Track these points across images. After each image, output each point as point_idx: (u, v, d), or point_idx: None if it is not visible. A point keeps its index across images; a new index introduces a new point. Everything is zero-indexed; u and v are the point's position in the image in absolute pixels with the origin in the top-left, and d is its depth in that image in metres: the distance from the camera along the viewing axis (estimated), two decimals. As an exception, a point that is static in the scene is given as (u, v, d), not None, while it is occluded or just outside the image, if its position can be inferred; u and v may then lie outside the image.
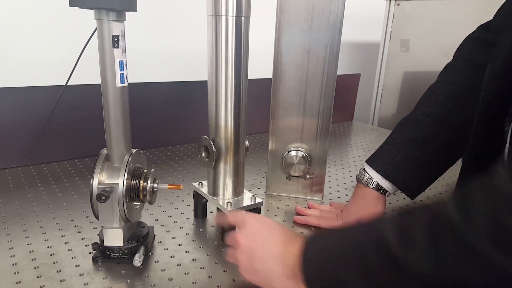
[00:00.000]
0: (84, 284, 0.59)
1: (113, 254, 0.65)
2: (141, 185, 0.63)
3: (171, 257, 0.68)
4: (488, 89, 0.56)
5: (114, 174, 0.61)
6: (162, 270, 0.64)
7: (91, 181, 0.61)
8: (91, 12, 0.57)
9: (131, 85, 0.63)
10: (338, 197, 0.96)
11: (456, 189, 0.39)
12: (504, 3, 0.63)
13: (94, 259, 0.65)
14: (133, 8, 0.57)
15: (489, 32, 0.70)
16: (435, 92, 0.76)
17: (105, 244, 0.64)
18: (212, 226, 0.79)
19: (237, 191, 0.76)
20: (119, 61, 0.59)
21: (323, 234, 0.49)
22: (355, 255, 0.42)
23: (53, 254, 0.67)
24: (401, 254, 0.38)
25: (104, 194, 0.58)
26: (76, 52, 0.65)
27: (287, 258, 0.48)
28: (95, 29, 0.57)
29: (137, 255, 0.63)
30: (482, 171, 0.37)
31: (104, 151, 0.64)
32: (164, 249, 0.70)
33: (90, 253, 0.67)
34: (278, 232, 0.53)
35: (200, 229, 0.78)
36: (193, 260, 0.67)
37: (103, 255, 0.65)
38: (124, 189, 0.61)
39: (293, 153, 0.91)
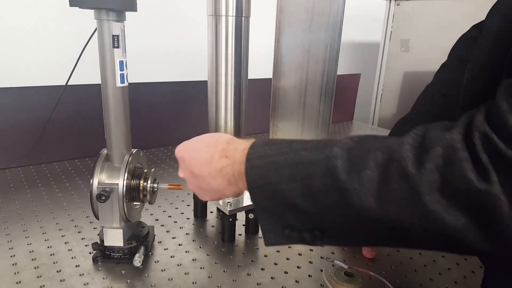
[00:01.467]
0: (84, 284, 0.59)
1: (113, 254, 0.64)
2: (141, 185, 0.63)
3: (171, 257, 0.68)
4: (468, 89, 0.57)
5: (114, 174, 0.61)
6: (162, 270, 0.64)
7: (91, 181, 0.61)
8: (91, 12, 0.57)
9: (131, 85, 0.63)
10: (338, 197, 0.95)
11: (415, 131, 0.39)
12: (495, 3, 0.64)
13: (94, 259, 0.65)
14: (133, 8, 0.57)
15: (480, 31, 0.71)
16: (430, 91, 0.77)
17: (105, 244, 0.64)
18: (212, 226, 0.79)
19: (237, 191, 0.76)
20: (119, 61, 0.59)
21: (269, 142, 0.46)
22: (301, 172, 0.41)
23: (53, 254, 0.67)
24: (347, 182, 0.38)
25: (104, 194, 0.58)
26: (76, 52, 0.65)
27: (228, 170, 0.48)
28: (95, 29, 0.57)
29: (137, 255, 0.63)
30: None
31: (104, 151, 0.64)
32: (164, 249, 0.70)
33: (90, 253, 0.67)
34: (209, 153, 0.51)
35: (200, 229, 0.78)
36: (193, 260, 0.67)
37: (103, 255, 0.65)
38: (124, 189, 0.60)
39: (293, 153, 0.91)
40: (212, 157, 0.50)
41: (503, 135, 0.32)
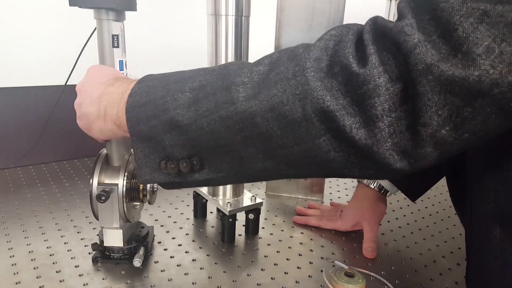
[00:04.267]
0: (84, 285, 0.59)
1: (113, 254, 0.64)
2: (141, 185, 0.63)
3: (170, 257, 0.67)
4: None
5: (114, 174, 0.61)
6: (161, 271, 0.64)
7: (91, 181, 0.60)
8: (91, 12, 0.56)
9: (130, 85, 0.63)
10: (338, 197, 0.95)
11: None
12: None
13: (94, 260, 0.64)
14: (133, 7, 0.57)
15: None
16: None
17: (105, 244, 0.63)
18: (212, 227, 0.79)
19: (237, 191, 0.76)
20: (119, 60, 0.59)
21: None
22: (192, 83, 0.39)
23: (53, 255, 0.66)
24: (236, 77, 0.37)
25: (104, 194, 0.58)
26: (76, 52, 0.64)
27: (105, 97, 0.45)
28: (95, 28, 0.57)
29: (137, 255, 0.63)
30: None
31: (104, 151, 0.64)
32: (164, 250, 0.69)
33: (89, 253, 0.67)
34: (106, 75, 0.48)
35: (200, 230, 0.77)
36: (193, 260, 0.67)
37: (103, 256, 0.65)
38: (124, 189, 0.60)
39: (293, 153, 0.91)
40: (105, 81, 0.47)
41: (394, 21, 0.33)
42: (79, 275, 0.61)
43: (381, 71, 0.31)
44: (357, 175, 0.36)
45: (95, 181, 0.60)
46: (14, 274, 0.61)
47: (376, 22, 0.33)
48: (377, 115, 0.31)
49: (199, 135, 0.38)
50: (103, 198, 0.58)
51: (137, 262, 0.62)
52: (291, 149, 0.35)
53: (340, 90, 0.32)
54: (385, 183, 0.76)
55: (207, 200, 0.79)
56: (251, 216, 0.75)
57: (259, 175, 0.40)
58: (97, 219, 0.62)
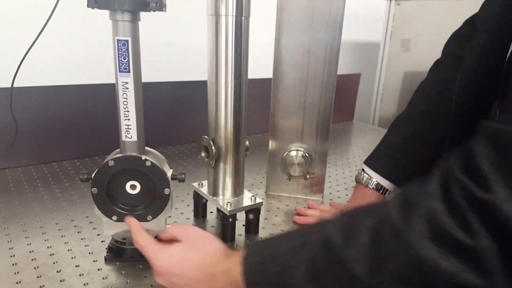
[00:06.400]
0: (84, 284, 0.59)
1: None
2: None
3: (171, 257, 0.67)
4: (459, 100, 0.58)
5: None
6: (162, 270, 0.64)
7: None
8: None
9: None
10: (338, 197, 0.95)
11: (399, 192, 0.41)
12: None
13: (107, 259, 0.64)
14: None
15: (472, 27, 0.72)
16: (426, 88, 0.78)
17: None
18: (212, 226, 0.79)
19: (237, 191, 0.76)
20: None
21: (263, 240, 0.48)
22: (301, 257, 0.41)
23: (53, 254, 0.66)
24: (344, 253, 0.38)
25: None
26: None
27: (227, 274, 0.47)
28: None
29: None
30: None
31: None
32: (164, 249, 0.70)
33: (90, 253, 0.67)
34: (198, 260, 0.50)
35: (200, 229, 0.77)
36: (193, 260, 0.67)
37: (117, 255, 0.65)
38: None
39: (293, 153, 0.91)
40: (204, 264, 0.49)
41: (478, 180, 0.33)
42: (80, 275, 0.61)
43: (489, 244, 0.32)
44: None
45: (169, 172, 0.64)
46: (15, 273, 0.61)
47: (466, 189, 0.34)
48: (489, 270, 0.33)
49: None
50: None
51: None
52: None
53: (451, 254, 0.34)
54: (385, 182, 0.76)
55: (207, 200, 0.79)
56: (251, 216, 0.75)
57: None
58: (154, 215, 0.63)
